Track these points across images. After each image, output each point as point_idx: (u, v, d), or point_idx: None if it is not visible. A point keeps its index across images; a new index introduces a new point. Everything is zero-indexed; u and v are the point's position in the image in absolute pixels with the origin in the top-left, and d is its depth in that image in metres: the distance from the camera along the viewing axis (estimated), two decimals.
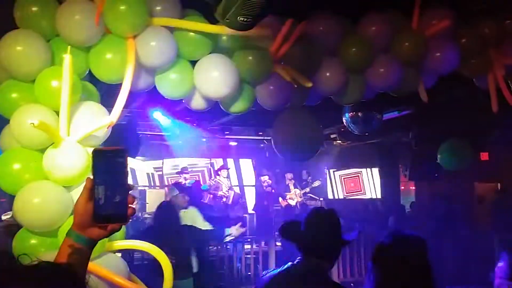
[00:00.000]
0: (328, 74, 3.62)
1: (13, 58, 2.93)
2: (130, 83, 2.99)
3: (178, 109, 8.31)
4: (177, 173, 11.78)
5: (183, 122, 9.40)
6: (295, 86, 3.49)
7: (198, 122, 9.75)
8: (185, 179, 11.11)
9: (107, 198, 1.26)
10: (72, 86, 2.87)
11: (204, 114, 8.68)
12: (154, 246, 3.08)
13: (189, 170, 12.01)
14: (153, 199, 11.67)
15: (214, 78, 3.26)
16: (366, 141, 11.28)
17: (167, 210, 5.54)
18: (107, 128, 2.94)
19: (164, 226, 5.29)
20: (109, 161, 1.27)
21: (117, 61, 3.09)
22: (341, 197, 14.17)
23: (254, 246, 9.37)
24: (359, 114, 6.99)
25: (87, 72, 3.20)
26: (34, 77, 2.97)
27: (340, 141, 11.50)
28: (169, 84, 3.30)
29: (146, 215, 11.26)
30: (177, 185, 6.28)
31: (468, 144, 8.24)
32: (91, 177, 1.28)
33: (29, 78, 2.98)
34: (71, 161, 2.81)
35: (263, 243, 9.58)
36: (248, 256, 9.28)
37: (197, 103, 3.50)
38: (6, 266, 1.02)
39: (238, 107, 3.55)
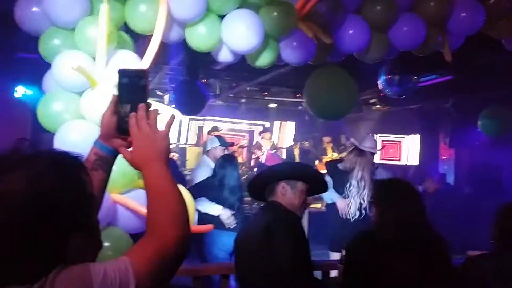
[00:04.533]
0: (351, 31, 3.75)
1: (55, 7, 3.21)
2: (161, 34, 3.22)
3: (218, 67, 8.55)
4: (208, 132, 12.08)
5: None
6: (317, 42, 3.64)
7: (236, 82, 9.96)
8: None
9: (129, 113, 1.41)
10: (108, 34, 3.13)
11: (242, 73, 8.95)
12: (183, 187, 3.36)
13: (220, 130, 12.27)
14: (193, 156, 12.10)
15: (240, 32, 3.46)
16: (406, 106, 11.23)
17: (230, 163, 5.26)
18: None
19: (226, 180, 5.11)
20: (131, 80, 1.43)
21: (150, 13, 3.32)
22: (377, 161, 14.15)
23: None
24: (395, 76, 7.03)
25: (123, 23, 3.45)
26: (74, 25, 3.25)
27: (379, 106, 11.49)
28: (198, 37, 3.52)
29: (186, 172, 11.68)
30: (219, 138, 6.22)
31: (509, 111, 8.15)
32: (116, 93, 1.45)
33: (70, 26, 3.26)
34: (105, 102, 3.07)
35: None
36: None
37: (225, 56, 3.71)
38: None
39: (263, 61, 3.74)
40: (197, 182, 5.40)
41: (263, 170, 3.01)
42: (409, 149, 13.61)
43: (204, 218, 4.91)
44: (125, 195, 3.24)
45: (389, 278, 2.52)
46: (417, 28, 3.83)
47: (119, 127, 1.45)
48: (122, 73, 1.47)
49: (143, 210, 3.17)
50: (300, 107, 12.30)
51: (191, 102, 7.57)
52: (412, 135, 13.30)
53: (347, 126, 13.12)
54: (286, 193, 2.86)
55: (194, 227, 3.45)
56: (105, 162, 1.53)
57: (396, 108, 11.59)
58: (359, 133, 13.62)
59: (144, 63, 3.16)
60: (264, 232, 2.71)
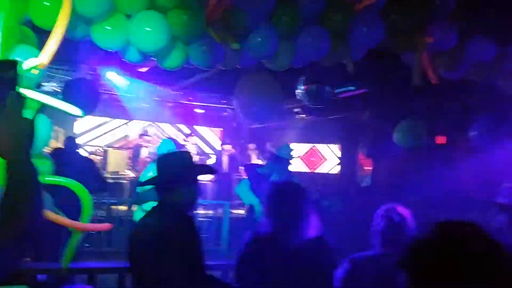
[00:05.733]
0: (259, 39, 3.86)
1: None
2: (64, 29, 3.18)
3: (144, 70, 8.47)
4: (139, 136, 11.94)
5: (147, 83, 9.56)
6: (225, 48, 3.73)
7: (162, 85, 9.91)
8: (147, 142, 11.27)
9: None
10: (9, 29, 3.07)
11: (167, 77, 8.91)
12: (74, 181, 3.33)
13: (150, 134, 12.16)
14: (116, 159, 11.87)
15: (146, 33, 3.49)
16: (329, 116, 11.59)
17: None
18: (38, 69, 3.14)
19: None
20: (1, 71, 1.44)
21: (55, 9, 3.28)
22: (306, 170, 14.45)
23: (210, 212, 9.73)
24: (312, 87, 7.26)
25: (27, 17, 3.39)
26: None
27: (303, 115, 11.80)
28: (104, 35, 3.51)
29: (107, 175, 11.42)
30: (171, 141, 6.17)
31: (422, 124, 8.59)
32: None
33: None
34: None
35: (219, 210, 9.94)
36: (202, 219, 9.60)
37: (132, 56, 3.72)
38: None
39: (171, 63, 3.79)
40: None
41: (164, 173, 2.95)
42: (328, 157, 14.04)
43: None
44: None
45: (278, 274, 2.63)
46: (322, 39, 4.00)
47: None
48: None
49: None
50: (225, 113, 12.40)
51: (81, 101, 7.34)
52: (336, 152, 13.75)
53: (272, 134, 13.35)
54: (183, 192, 2.87)
55: (92, 225, 3.43)
56: None
57: (319, 118, 11.93)
58: (283, 141, 13.86)
59: (43, 58, 3.11)
60: (158, 232, 2.72)
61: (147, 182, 3.03)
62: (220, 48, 3.78)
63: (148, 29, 3.49)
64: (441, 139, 10.37)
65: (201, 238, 2.95)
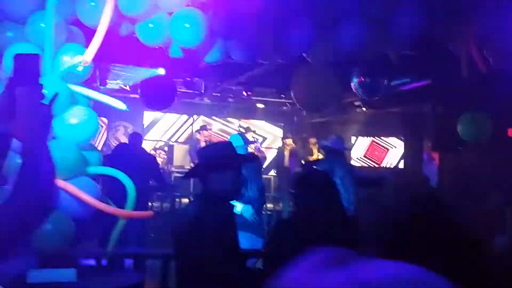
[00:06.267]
0: (297, 32, 3.90)
1: (9, 2, 3.39)
2: (106, 26, 3.38)
3: (202, 66, 8.67)
4: (196, 131, 12.17)
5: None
6: (263, 41, 3.81)
7: (221, 80, 10.06)
8: (206, 136, 11.47)
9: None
10: (57, 28, 3.31)
11: (225, 71, 9.07)
12: (119, 171, 3.53)
13: (209, 128, 12.39)
14: (180, 154, 12.26)
15: (186, 29, 3.64)
16: (389, 109, 11.37)
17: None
18: (82, 66, 3.36)
19: None
20: (24, 64, 1.56)
21: (100, 8, 3.49)
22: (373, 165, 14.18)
23: (271, 205, 9.89)
24: (366, 79, 7.16)
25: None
26: (26, 19, 3.43)
27: (364, 109, 11.64)
28: (148, 32, 3.69)
29: (172, 168, 11.83)
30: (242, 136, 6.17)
31: (488, 117, 8.25)
32: (11, 76, 1.57)
33: (23, 19, 3.44)
34: (52, 93, 3.25)
35: (281, 204, 10.10)
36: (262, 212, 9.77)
37: (175, 50, 3.88)
38: None
39: (212, 57, 3.92)
40: None
41: (200, 163, 3.04)
42: (391, 148, 13.76)
43: None
44: (69, 181, 3.39)
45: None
46: (361, 30, 3.97)
47: (12, 108, 1.63)
48: (17, 58, 1.64)
49: (84, 196, 3.34)
50: (285, 108, 12.46)
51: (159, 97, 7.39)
52: (398, 143, 13.45)
53: (334, 128, 13.25)
54: (219, 180, 2.93)
55: (135, 212, 3.61)
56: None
57: (380, 111, 11.71)
58: (345, 135, 13.74)
59: (87, 55, 3.32)
60: (195, 218, 2.83)
61: (189, 173, 3.15)
62: (258, 42, 3.86)
63: (187, 25, 3.64)
64: None
65: (237, 226, 3.03)
